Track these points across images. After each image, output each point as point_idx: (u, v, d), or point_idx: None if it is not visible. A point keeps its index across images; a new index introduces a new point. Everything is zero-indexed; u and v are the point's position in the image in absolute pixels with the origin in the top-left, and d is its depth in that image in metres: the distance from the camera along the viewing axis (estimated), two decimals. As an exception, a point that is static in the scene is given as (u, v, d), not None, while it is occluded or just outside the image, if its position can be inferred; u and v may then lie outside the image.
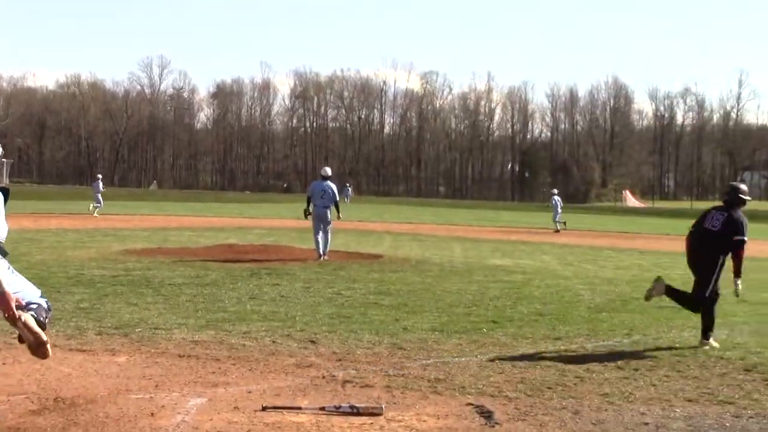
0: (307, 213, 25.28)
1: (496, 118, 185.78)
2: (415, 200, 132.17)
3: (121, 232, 35.87)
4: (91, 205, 56.11)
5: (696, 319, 14.01)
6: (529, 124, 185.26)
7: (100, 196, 56.35)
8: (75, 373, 10.29)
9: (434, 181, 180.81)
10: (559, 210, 52.90)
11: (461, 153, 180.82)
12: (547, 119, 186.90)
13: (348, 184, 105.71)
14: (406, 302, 16.77)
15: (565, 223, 53.27)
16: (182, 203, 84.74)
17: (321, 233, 25.10)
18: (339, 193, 24.97)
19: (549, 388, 10.18)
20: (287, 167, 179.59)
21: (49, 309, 7.01)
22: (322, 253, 24.84)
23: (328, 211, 25.15)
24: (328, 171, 25.83)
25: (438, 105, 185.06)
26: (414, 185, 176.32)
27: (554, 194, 54.40)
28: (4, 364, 10.82)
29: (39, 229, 36.58)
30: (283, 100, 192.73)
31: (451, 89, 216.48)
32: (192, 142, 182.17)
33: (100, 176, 59.84)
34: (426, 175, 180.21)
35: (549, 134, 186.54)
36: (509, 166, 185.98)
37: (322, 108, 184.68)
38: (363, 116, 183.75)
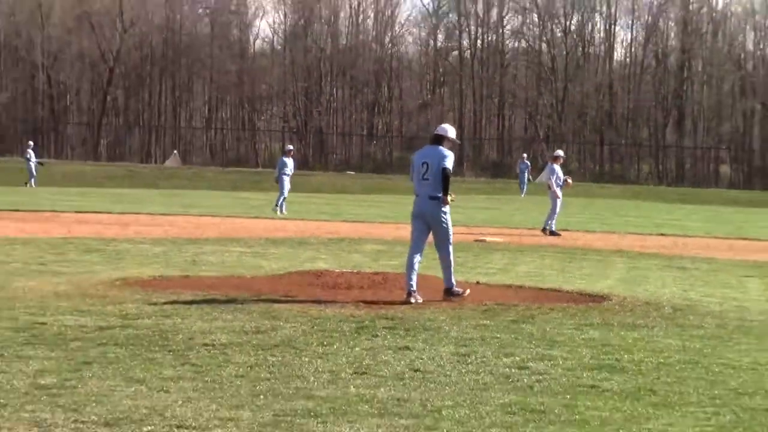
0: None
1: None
2: (673, 190, 79.43)
3: (115, 246, 21.90)
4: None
5: None
6: None
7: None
8: None
9: (710, 156, 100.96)
10: None
11: (766, 100, 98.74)
12: None
13: (525, 157, 68.52)
14: (651, 386, 9.73)
15: None
16: (228, 192, 55.22)
17: (419, 249, 14.63)
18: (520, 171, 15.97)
19: None
20: (426, 125, 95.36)
21: None
22: (412, 289, 14.27)
23: (437, 205, 14.45)
24: (447, 129, 15.10)
25: (720, 6, 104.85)
26: (670, 162, 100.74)
27: None
28: None
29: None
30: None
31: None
32: (247, 77, 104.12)
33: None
34: (695, 142, 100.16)
35: None
36: None
37: (494, 13, 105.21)
38: (573, 28, 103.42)
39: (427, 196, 14.23)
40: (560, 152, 32.28)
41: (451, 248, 14.46)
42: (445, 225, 14.31)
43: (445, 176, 14.13)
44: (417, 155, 14.78)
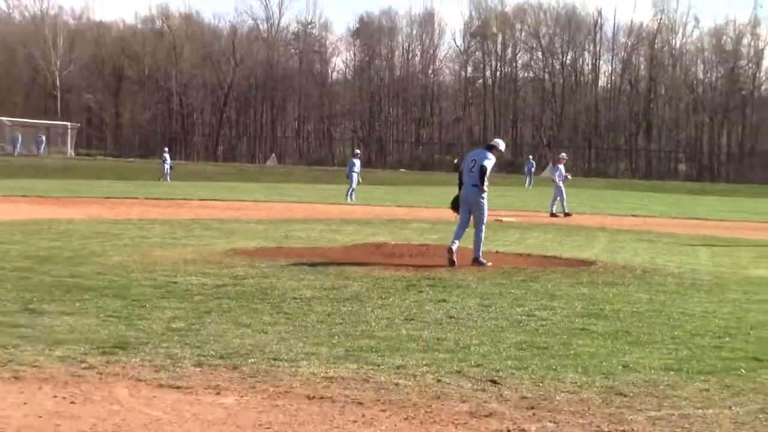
0: (456, 203, 14.72)
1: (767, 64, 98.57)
2: (643, 183, 75.92)
3: (228, 225, 21.73)
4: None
5: None
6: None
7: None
8: (166, 418, 6.02)
9: (671, 156, 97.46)
10: None
11: (713, 115, 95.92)
12: None
13: (531, 158, 67.43)
14: (627, 329, 9.48)
15: None
16: (312, 185, 54.24)
17: (463, 229, 14.43)
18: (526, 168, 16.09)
19: None
20: (459, 135, 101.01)
21: None
22: (452, 247, 14.14)
23: (477, 192, 14.31)
24: (498, 142, 14.92)
25: (678, 45, 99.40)
26: (641, 162, 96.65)
27: None
28: (72, 402, 6.33)
29: (116, 219, 22.94)
30: (454, 39, 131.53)
31: (698, 22, 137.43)
32: (326, 99, 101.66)
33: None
34: (659, 146, 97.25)
35: None
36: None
37: (509, 52, 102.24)
38: (568, 62, 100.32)
39: (470, 185, 14.27)
40: (564, 155, 32.61)
41: (483, 227, 14.33)
42: (482, 207, 14.28)
43: (481, 172, 14.21)
44: (470, 153, 14.97)
